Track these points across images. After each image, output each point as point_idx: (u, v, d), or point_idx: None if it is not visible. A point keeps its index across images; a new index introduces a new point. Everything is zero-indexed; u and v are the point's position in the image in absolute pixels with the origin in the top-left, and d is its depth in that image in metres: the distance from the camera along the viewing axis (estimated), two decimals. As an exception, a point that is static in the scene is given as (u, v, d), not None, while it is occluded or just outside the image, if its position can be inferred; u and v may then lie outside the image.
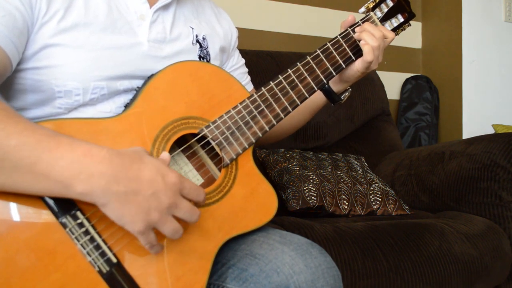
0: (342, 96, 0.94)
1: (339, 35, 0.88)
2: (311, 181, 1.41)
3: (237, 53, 1.02)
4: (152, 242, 0.60)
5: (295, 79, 0.82)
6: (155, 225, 0.59)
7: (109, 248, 0.61)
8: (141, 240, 0.60)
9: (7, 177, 0.54)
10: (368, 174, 1.57)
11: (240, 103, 0.77)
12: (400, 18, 0.95)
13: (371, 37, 0.86)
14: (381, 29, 0.88)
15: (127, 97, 0.76)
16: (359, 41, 0.87)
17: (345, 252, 1.09)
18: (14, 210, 0.57)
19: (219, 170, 0.77)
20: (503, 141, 1.40)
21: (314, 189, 1.38)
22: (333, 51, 0.86)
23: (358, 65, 0.88)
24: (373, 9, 0.93)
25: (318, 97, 0.97)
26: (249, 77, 1.04)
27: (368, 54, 0.86)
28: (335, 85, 0.94)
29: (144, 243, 0.60)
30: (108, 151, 0.57)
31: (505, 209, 1.35)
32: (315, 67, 0.84)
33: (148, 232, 0.59)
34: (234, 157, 0.75)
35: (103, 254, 0.60)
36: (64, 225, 0.58)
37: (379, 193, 1.48)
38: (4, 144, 0.53)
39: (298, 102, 0.82)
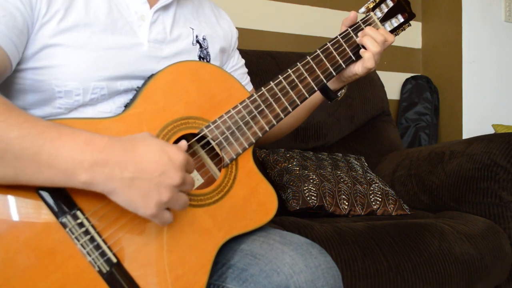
0: (339, 93, 0.95)
1: (339, 35, 0.88)
2: (311, 181, 1.41)
3: (237, 54, 1.02)
4: (167, 221, 0.61)
5: (295, 79, 0.82)
6: (167, 204, 0.59)
7: (109, 248, 0.61)
8: (156, 222, 0.60)
9: (10, 169, 0.55)
10: (368, 174, 1.57)
11: (240, 103, 0.77)
12: (400, 19, 0.94)
13: (373, 43, 0.86)
14: (382, 33, 0.88)
15: (127, 97, 0.76)
16: (361, 46, 0.88)
17: (345, 252, 1.09)
18: (14, 210, 0.57)
19: (219, 170, 0.77)
20: (503, 141, 1.40)
21: (314, 189, 1.38)
22: (333, 51, 0.86)
23: (358, 69, 0.89)
24: (373, 9, 0.92)
25: (315, 95, 0.97)
26: (248, 78, 1.04)
27: (369, 61, 0.86)
28: (331, 83, 0.94)
29: (160, 224, 0.61)
30: (110, 139, 0.58)
31: (505, 209, 1.35)
32: (315, 67, 0.84)
33: (161, 213, 0.60)
34: (234, 157, 0.75)
35: (103, 254, 0.60)
36: (64, 225, 0.58)
37: (379, 193, 1.48)
38: (6, 136, 0.54)
39: (298, 102, 0.82)
